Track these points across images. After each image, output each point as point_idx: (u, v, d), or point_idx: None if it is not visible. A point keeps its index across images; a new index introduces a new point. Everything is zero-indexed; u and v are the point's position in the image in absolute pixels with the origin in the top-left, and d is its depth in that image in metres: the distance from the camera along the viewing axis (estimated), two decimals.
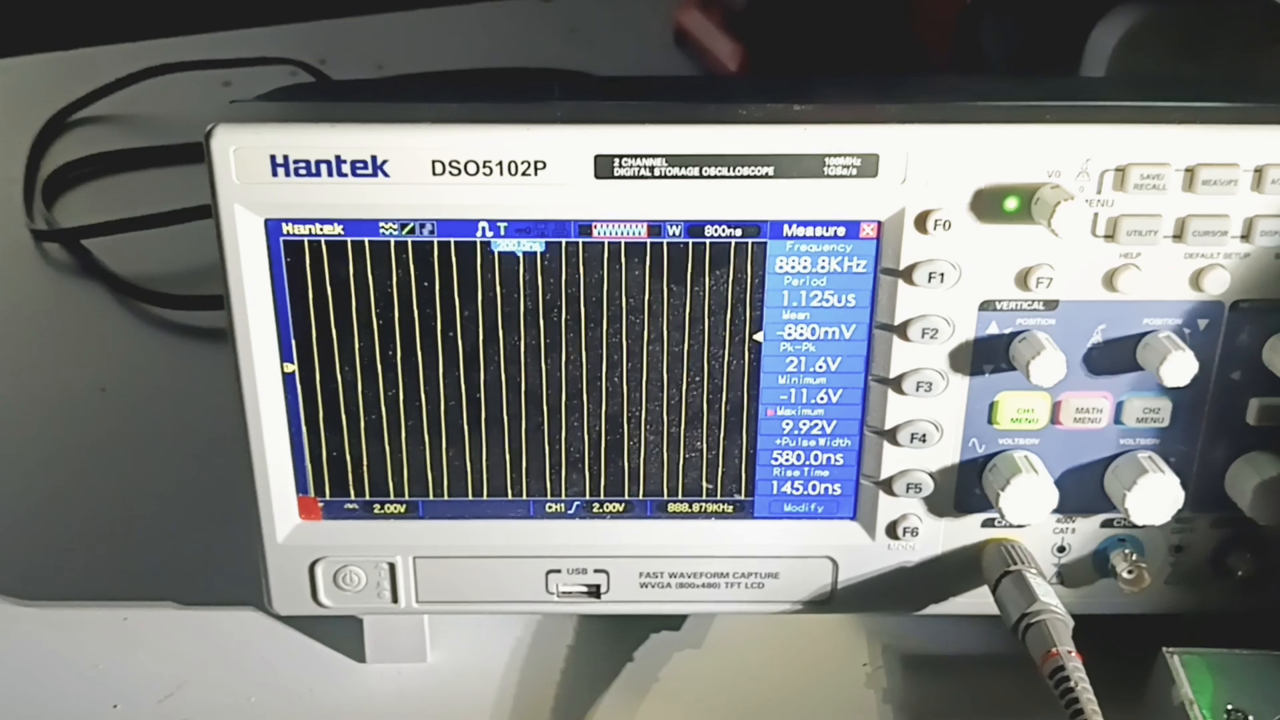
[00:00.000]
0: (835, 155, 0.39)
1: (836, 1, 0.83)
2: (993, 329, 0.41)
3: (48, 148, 0.90)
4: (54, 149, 0.90)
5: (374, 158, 0.39)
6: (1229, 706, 0.41)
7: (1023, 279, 0.41)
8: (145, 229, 0.76)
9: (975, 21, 0.69)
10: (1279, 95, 0.47)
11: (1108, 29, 0.63)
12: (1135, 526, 0.44)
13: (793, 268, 0.41)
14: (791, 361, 0.43)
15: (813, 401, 0.43)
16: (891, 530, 0.44)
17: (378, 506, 0.44)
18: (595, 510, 0.45)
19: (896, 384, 0.42)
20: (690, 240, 0.41)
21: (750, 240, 0.41)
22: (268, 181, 0.39)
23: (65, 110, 0.93)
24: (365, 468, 0.44)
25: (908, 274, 0.41)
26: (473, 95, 0.48)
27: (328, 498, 0.44)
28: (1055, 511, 0.43)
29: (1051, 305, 0.41)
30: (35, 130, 0.90)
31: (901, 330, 0.41)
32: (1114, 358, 0.42)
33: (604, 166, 0.40)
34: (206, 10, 1.06)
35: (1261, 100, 0.43)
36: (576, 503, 0.45)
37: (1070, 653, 0.39)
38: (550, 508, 0.45)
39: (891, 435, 0.43)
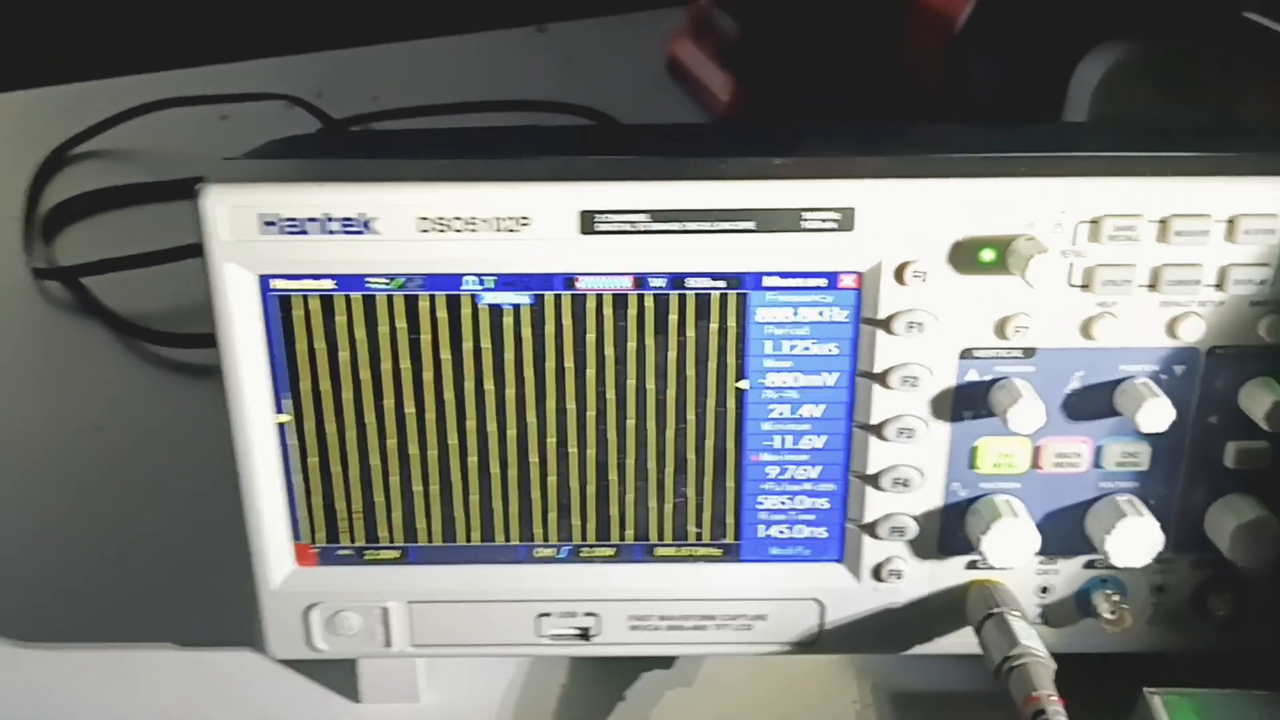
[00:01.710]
0: (813, 210, 0.40)
1: (828, 36, 0.84)
2: (972, 376, 0.42)
3: (47, 183, 0.91)
4: (53, 184, 0.91)
5: (362, 215, 0.40)
6: None
7: (1001, 328, 0.41)
8: (144, 266, 0.76)
9: (961, 57, 0.70)
10: (1256, 140, 0.48)
11: (1091, 66, 0.64)
12: (1117, 568, 0.44)
13: (774, 318, 0.42)
14: (775, 409, 0.43)
15: (797, 447, 0.44)
16: (876, 573, 0.45)
17: (371, 553, 0.45)
18: (584, 555, 0.45)
19: (879, 430, 0.43)
20: (673, 292, 0.42)
21: (732, 291, 0.42)
22: (258, 239, 0.40)
23: (64, 146, 0.94)
24: (358, 515, 0.45)
25: (887, 324, 0.41)
26: (461, 149, 0.49)
27: (322, 545, 0.45)
28: (1038, 553, 0.44)
29: (1030, 353, 0.42)
30: (34, 166, 0.91)
31: (882, 378, 0.42)
32: (1092, 404, 0.42)
33: (588, 222, 0.40)
34: (203, 44, 1.07)
35: (1236, 148, 0.44)
36: (566, 547, 0.45)
37: (1051, 697, 0.39)
38: (540, 552, 0.45)
39: (875, 480, 0.43)
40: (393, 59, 1.12)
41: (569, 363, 0.42)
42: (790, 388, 0.43)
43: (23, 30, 1.22)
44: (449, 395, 0.43)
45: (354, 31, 1.12)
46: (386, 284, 0.41)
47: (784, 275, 0.41)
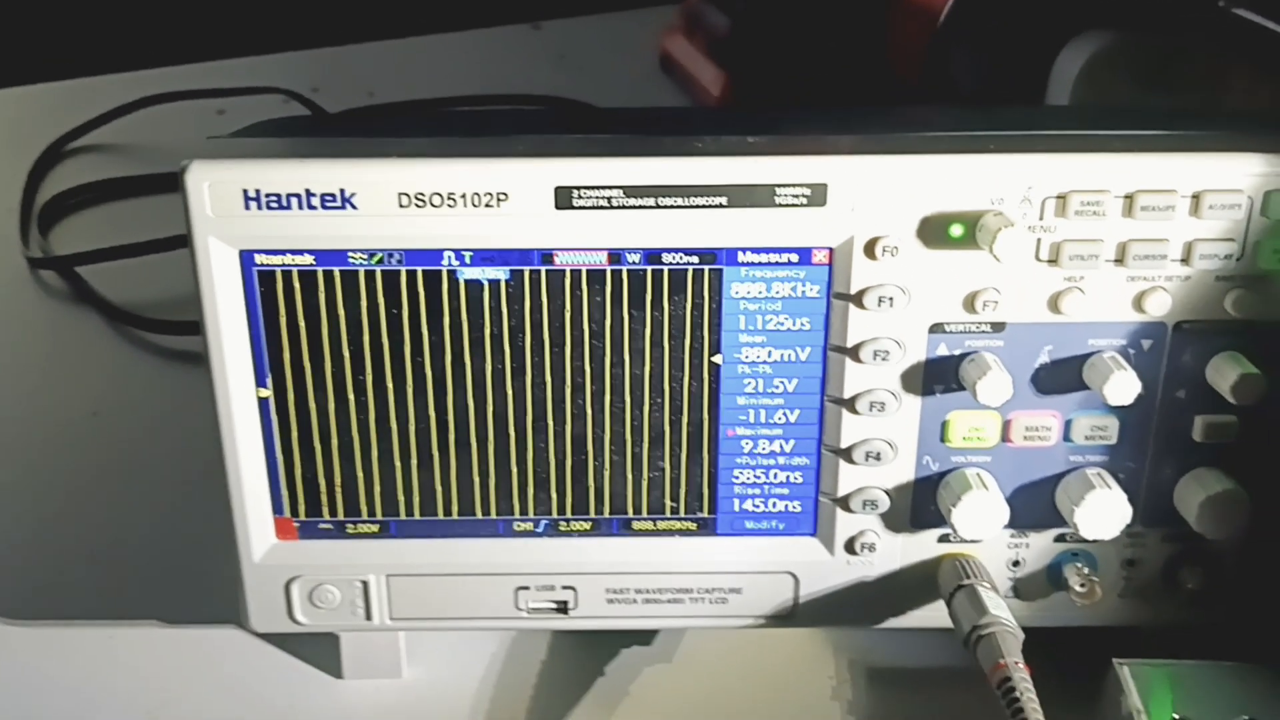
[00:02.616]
0: (785, 185, 0.41)
1: (816, 31, 0.85)
2: (942, 350, 0.43)
3: (44, 176, 0.92)
4: (50, 177, 0.92)
5: (342, 191, 0.41)
6: (1174, 716, 0.42)
7: (970, 302, 0.42)
8: (138, 256, 0.77)
9: (944, 49, 0.70)
10: (1222, 121, 0.49)
11: (1071, 56, 0.64)
12: (1087, 541, 0.45)
13: (748, 293, 0.43)
14: (749, 383, 0.44)
15: (771, 421, 0.44)
16: (850, 546, 0.45)
17: (351, 526, 0.46)
18: (562, 529, 0.46)
19: (851, 404, 0.43)
20: (649, 267, 0.42)
21: (706, 267, 0.42)
22: (241, 214, 0.41)
23: (62, 139, 0.95)
24: (339, 489, 0.45)
25: (858, 298, 0.42)
26: (442, 129, 0.49)
27: (303, 518, 0.46)
28: (1009, 527, 0.45)
29: (999, 327, 0.43)
30: (32, 159, 0.92)
31: (854, 352, 0.43)
32: (1061, 377, 0.43)
33: (564, 197, 0.41)
34: (201, 40, 1.08)
35: (1202, 127, 0.45)
36: (544, 521, 0.46)
37: (1018, 664, 0.40)
38: (518, 526, 0.46)
39: (848, 454, 0.44)
40: (388, 55, 1.13)
41: (546, 337, 0.43)
42: (764, 362, 0.44)
43: (23, 26, 1.23)
44: (428, 370, 0.44)
45: (349, 28, 1.13)
46: (367, 259, 0.42)
47: (757, 251, 0.42)
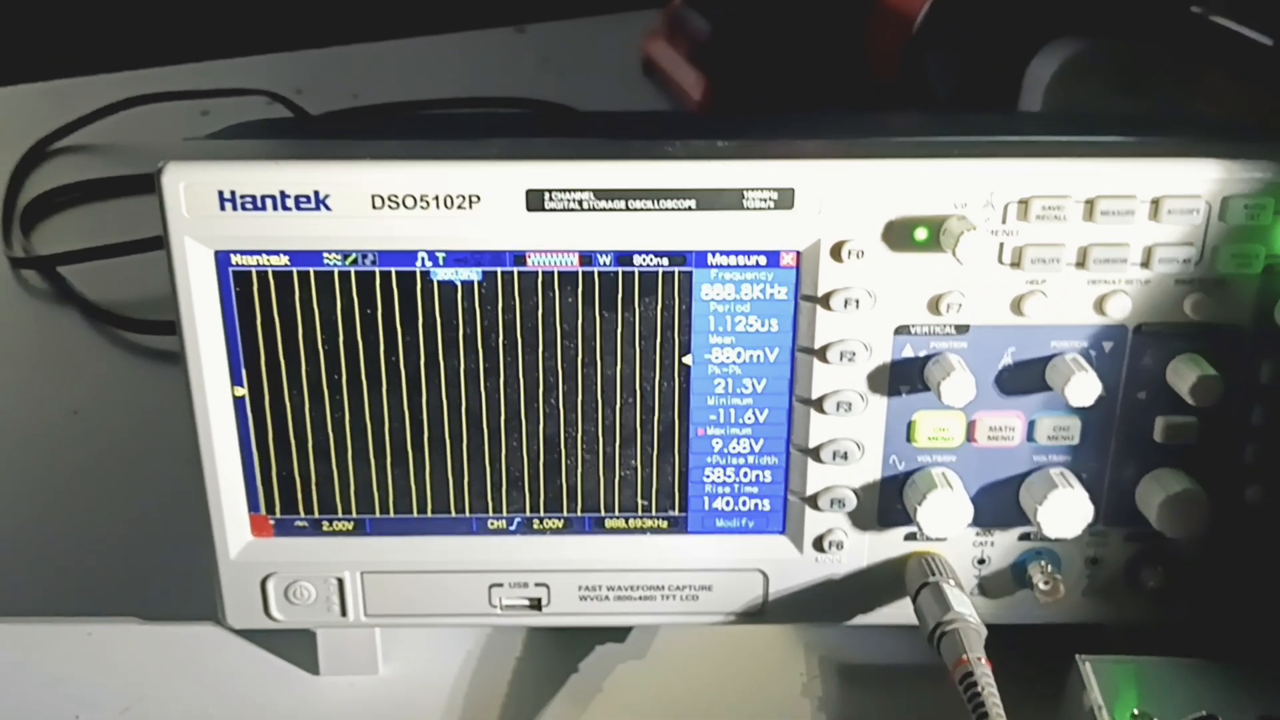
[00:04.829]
0: (753, 189, 0.42)
1: (796, 35, 0.86)
2: (908, 352, 0.44)
3: (27, 176, 0.92)
4: (34, 177, 0.92)
5: (317, 193, 0.41)
6: (1135, 711, 0.43)
7: (935, 304, 0.43)
8: (119, 256, 0.78)
9: (919, 54, 0.71)
10: (1182, 126, 0.50)
11: (1044, 61, 0.65)
12: (1051, 540, 0.46)
13: (718, 295, 0.43)
14: (719, 383, 0.45)
15: (740, 421, 0.45)
16: (818, 544, 0.46)
17: (326, 524, 0.46)
18: (535, 526, 0.47)
19: (819, 404, 0.44)
20: (620, 269, 0.43)
21: (676, 269, 0.43)
22: (216, 215, 0.42)
23: (45, 140, 0.95)
24: (314, 487, 0.46)
25: (825, 300, 0.43)
26: (418, 132, 0.50)
27: (278, 516, 0.46)
28: (974, 525, 0.45)
29: (963, 329, 0.43)
30: (16, 159, 0.92)
31: (821, 354, 0.43)
32: (1024, 379, 0.44)
33: (535, 200, 0.42)
34: (186, 41, 1.08)
35: (1162, 133, 0.46)
36: (517, 519, 0.47)
37: (980, 660, 0.41)
38: (492, 524, 0.47)
39: (815, 453, 0.45)
40: (372, 58, 1.14)
41: (519, 338, 0.44)
42: (733, 363, 0.44)
43: (9, 27, 1.24)
44: (402, 369, 0.44)
45: (335, 30, 1.13)
46: (341, 260, 0.43)
47: (727, 254, 0.43)
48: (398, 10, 1.16)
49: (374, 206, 0.42)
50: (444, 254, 0.43)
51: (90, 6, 1.23)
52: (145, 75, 1.06)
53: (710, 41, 0.93)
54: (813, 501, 0.46)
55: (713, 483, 0.46)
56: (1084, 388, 0.42)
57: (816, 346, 0.43)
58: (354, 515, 0.46)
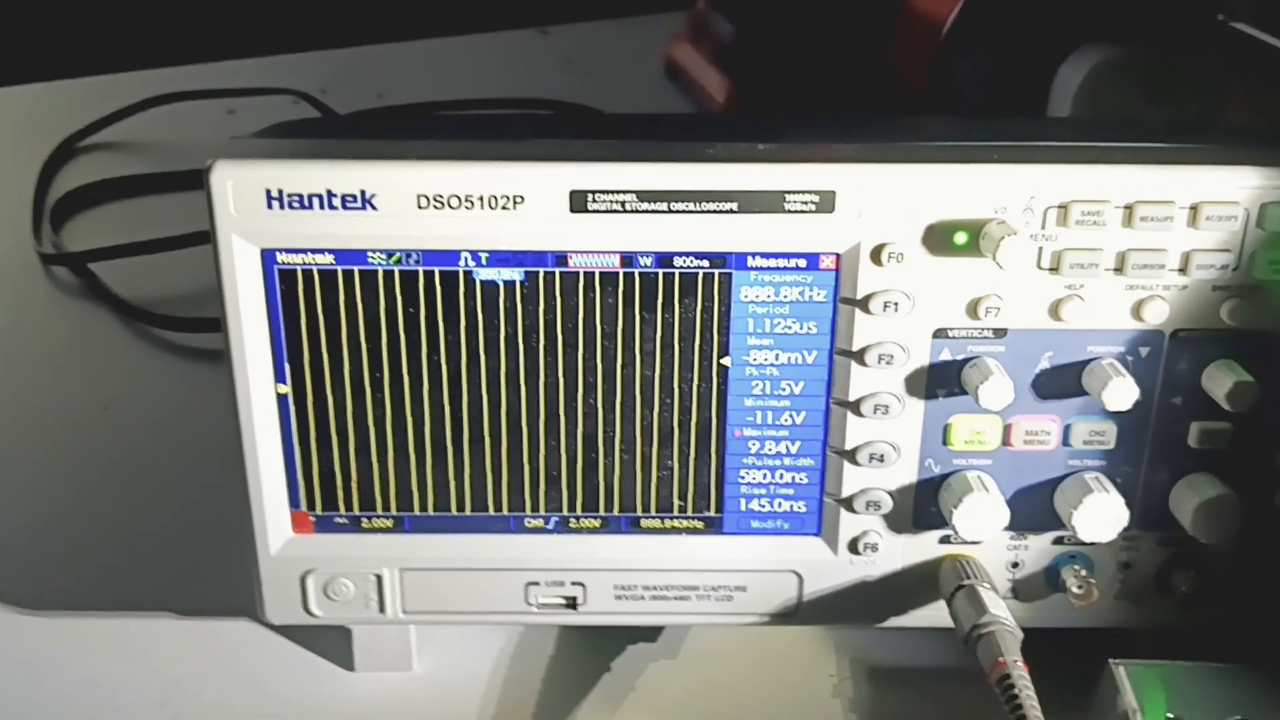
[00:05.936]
0: (794, 192, 0.42)
1: (822, 39, 0.86)
2: (945, 355, 0.44)
3: (56, 173, 0.93)
4: (63, 174, 0.93)
5: (363, 192, 0.42)
6: (1167, 715, 0.43)
7: (973, 308, 0.43)
8: (150, 253, 0.78)
9: (948, 60, 0.72)
10: (1220, 135, 0.50)
11: (1073, 69, 0.65)
12: (1084, 544, 0.46)
13: (757, 297, 0.44)
14: (757, 385, 0.45)
15: (777, 423, 0.46)
16: (853, 546, 0.46)
17: (366, 521, 0.47)
18: (572, 525, 0.47)
19: (855, 407, 0.44)
20: (660, 271, 0.43)
21: (716, 271, 0.43)
22: (263, 213, 0.42)
23: (74, 137, 0.96)
24: (354, 484, 0.46)
25: (864, 303, 0.43)
26: (459, 132, 0.50)
27: (319, 512, 0.47)
28: (1008, 529, 0.46)
29: (1001, 333, 0.44)
30: (45, 156, 0.93)
31: (859, 356, 0.44)
32: (1061, 383, 0.44)
33: (578, 201, 0.42)
34: (212, 40, 1.09)
35: (1200, 140, 0.46)
36: (554, 518, 0.47)
37: (1017, 662, 0.41)
38: (529, 523, 0.47)
39: (852, 455, 0.45)
40: (397, 58, 1.14)
41: (559, 337, 0.44)
42: (771, 365, 0.45)
43: (37, 25, 1.24)
44: (444, 368, 0.45)
45: (359, 30, 1.14)
46: (385, 259, 0.43)
47: (767, 256, 0.43)
48: (421, 11, 1.17)
49: (419, 206, 0.42)
50: (487, 254, 0.43)
51: (118, 5, 1.23)
52: (172, 74, 1.07)
53: (735, 44, 0.93)
54: (848, 504, 0.46)
55: (749, 484, 0.46)
56: (1122, 393, 0.42)
57: (855, 349, 0.44)
58: (393, 512, 0.47)
